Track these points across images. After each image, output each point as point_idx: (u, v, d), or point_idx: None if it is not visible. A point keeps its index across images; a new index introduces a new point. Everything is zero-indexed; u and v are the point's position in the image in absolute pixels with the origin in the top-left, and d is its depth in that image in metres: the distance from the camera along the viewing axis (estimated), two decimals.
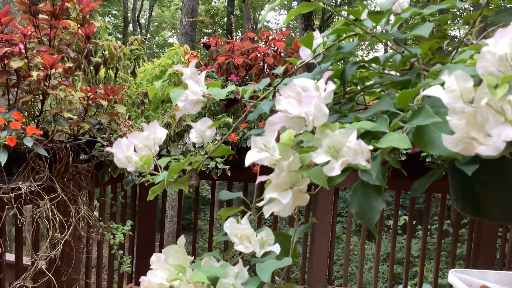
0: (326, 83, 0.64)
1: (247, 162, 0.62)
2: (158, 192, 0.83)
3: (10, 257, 3.01)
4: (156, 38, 15.94)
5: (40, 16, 2.87)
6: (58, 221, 2.70)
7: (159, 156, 3.54)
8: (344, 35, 0.85)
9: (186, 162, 0.79)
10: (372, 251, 8.96)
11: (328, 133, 0.58)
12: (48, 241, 2.69)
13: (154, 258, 0.78)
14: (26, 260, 3.04)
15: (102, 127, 2.96)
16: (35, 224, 2.76)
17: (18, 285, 2.58)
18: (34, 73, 2.49)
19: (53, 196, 2.70)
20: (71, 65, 2.78)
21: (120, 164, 0.82)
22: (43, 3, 2.80)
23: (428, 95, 0.71)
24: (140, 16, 15.74)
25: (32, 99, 2.73)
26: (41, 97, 2.77)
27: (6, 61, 2.56)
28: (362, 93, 0.91)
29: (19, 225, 2.62)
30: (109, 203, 3.37)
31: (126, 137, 0.83)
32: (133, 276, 3.83)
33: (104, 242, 3.46)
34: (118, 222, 3.32)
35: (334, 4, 14.69)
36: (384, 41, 0.81)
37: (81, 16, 3.07)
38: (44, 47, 2.66)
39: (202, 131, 0.85)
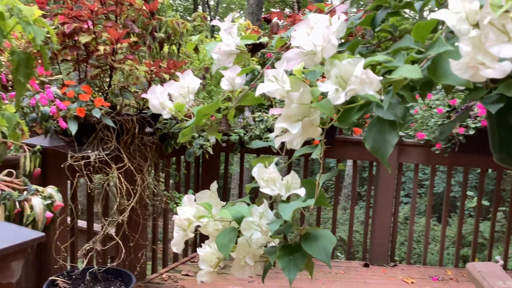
0: (339, 17, 0.64)
1: (257, 93, 0.64)
2: (188, 135, 0.86)
3: (82, 224, 3.22)
4: (225, 19, 16.11)
5: None
6: (125, 188, 2.85)
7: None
8: None
9: (215, 106, 0.82)
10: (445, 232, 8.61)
11: (336, 63, 0.59)
12: (115, 207, 2.85)
13: (186, 199, 0.82)
14: (97, 226, 3.24)
15: None
16: (104, 191, 2.94)
17: (88, 248, 2.76)
18: (101, 48, 2.62)
19: (120, 165, 2.85)
20: (135, 39, 2.90)
21: (155, 110, 0.86)
22: None
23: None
24: None
25: (101, 73, 2.88)
26: (109, 72, 2.91)
27: (76, 37, 2.71)
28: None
29: (89, 191, 2.79)
30: (174, 175, 3.51)
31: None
32: (197, 246, 3.97)
33: (171, 212, 3.61)
34: (181, 192, 3.44)
35: None
36: None
37: None
38: (110, 23, 2.79)
39: (232, 79, 0.88)
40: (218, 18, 15.91)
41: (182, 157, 3.53)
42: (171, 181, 3.66)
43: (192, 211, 0.80)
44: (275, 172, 0.80)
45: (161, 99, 0.85)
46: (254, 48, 0.83)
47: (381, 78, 0.58)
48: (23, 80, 1.49)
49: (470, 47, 0.51)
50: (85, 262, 2.78)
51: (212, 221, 0.79)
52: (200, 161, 3.84)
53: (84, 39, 2.61)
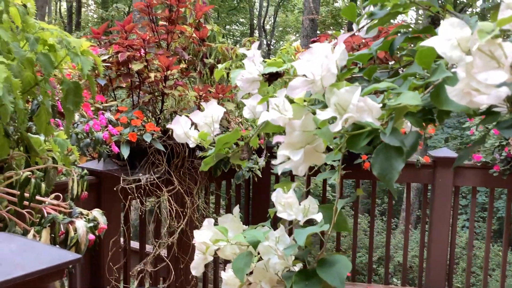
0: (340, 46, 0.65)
1: (260, 122, 0.66)
2: (210, 164, 0.89)
3: (135, 244, 3.31)
4: (281, 42, 16.35)
5: (160, 23, 3.13)
6: (175, 211, 2.92)
7: (270, 152, 3.65)
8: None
9: (235, 135, 0.83)
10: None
11: (334, 91, 0.60)
12: (165, 229, 2.92)
13: (206, 222, 0.85)
14: (149, 248, 3.32)
15: None
16: (155, 214, 3.02)
17: (139, 269, 2.84)
18: (152, 75, 2.73)
19: (170, 188, 2.93)
20: (185, 66, 2.99)
21: (179, 139, 0.89)
22: (162, 10, 3.06)
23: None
24: (265, 22, 16.30)
25: (153, 99, 2.99)
26: (160, 97, 3.02)
27: (129, 65, 2.84)
28: None
29: (140, 213, 2.88)
30: (224, 197, 3.56)
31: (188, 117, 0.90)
32: None
33: None
34: None
35: None
36: (427, 7, 0.78)
37: (196, 21, 3.29)
38: (161, 51, 2.90)
39: (253, 107, 0.90)
40: (274, 41, 16.13)
41: (232, 180, 3.57)
42: (222, 203, 3.70)
43: (209, 234, 0.82)
44: (293, 197, 0.81)
45: (185, 128, 0.88)
46: (271, 77, 0.84)
47: (380, 105, 0.58)
48: (72, 108, 1.58)
49: (464, 73, 0.50)
50: (136, 283, 2.85)
51: (229, 245, 0.80)
52: (250, 183, 3.87)
53: (136, 67, 2.73)
